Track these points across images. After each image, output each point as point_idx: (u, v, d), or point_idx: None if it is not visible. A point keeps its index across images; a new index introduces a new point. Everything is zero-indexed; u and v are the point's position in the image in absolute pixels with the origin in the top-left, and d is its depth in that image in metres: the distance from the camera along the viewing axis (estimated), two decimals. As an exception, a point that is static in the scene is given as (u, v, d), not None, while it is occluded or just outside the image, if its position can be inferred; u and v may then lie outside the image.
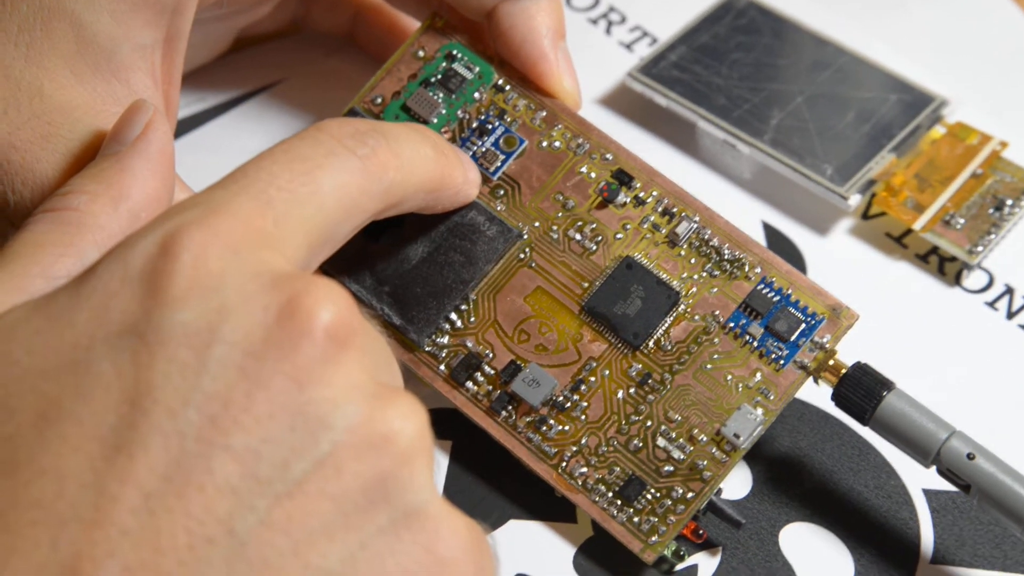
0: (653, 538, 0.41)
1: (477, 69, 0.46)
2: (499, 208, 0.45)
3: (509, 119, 0.46)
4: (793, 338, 0.42)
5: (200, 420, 0.30)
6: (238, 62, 0.55)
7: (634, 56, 0.57)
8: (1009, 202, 0.50)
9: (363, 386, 0.31)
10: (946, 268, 0.50)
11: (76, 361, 0.31)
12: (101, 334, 0.31)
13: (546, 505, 0.43)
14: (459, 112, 0.46)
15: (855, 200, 0.49)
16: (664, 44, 0.55)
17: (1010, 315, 0.49)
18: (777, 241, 0.51)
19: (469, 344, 0.44)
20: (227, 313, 0.31)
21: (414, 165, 0.38)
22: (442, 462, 0.44)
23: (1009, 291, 0.50)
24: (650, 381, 0.42)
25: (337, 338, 0.31)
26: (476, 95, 0.46)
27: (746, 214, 0.52)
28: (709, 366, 0.42)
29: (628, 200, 0.44)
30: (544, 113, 0.46)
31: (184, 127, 0.53)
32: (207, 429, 0.30)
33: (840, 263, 0.50)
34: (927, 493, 0.44)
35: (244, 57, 0.56)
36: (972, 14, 0.59)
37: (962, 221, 0.49)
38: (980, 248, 0.49)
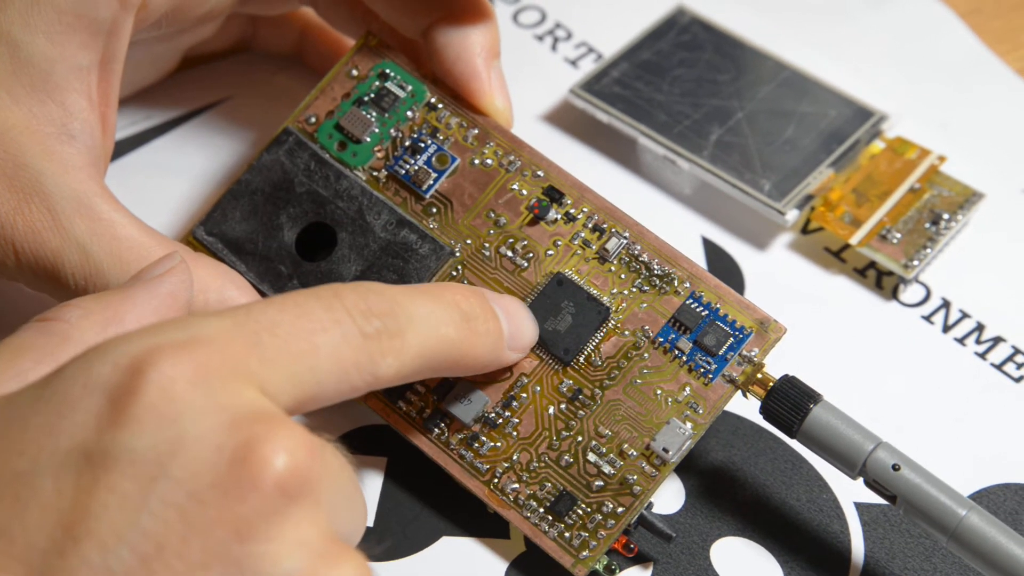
0: (584, 553, 0.41)
1: (410, 88, 0.46)
2: (432, 226, 0.45)
3: (442, 137, 0.46)
4: (721, 352, 0.42)
5: (131, 559, 0.29)
6: (185, 80, 0.56)
7: (579, 72, 0.57)
8: (946, 216, 0.50)
9: (309, 543, 0.30)
10: (883, 282, 0.50)
11: (20, 472, 0.30)
12: (50, 446, 0.30)
13: (479, 521, 0.44)
14: (392, 130, 0.46)
15: (792, 215, 0.50)
16: (607, 61, 0.55)
17: (946, 329, 0.49)
18: (716, 256, 0.51)
19: (402, 361, 0.44)
20: (180, 447, 0.30)
21: (422, 349, 0.37)
22: (376, 479, 0.45)
23: (945, 305, 0.50)
24: (581, 396, 0.42)
25: (288, 491, 0.30)
26: (409, 113, 0.46)
27: (686, 229, 0.52)
28: (639, 381, 0.42)
29: (559, 217, 0.44)
30: (476, 131, 0.46)
31: (129, 145, 0.54)
32: (137, 570, 0.29)
33: (779, 278, 0.51)
34: (859, 506, 0.44)
35: (191, 75, 0.56)
36: (916, 29, 0.60)
37: (899, 236, 0.50)
38: (916, 262, 0.49)
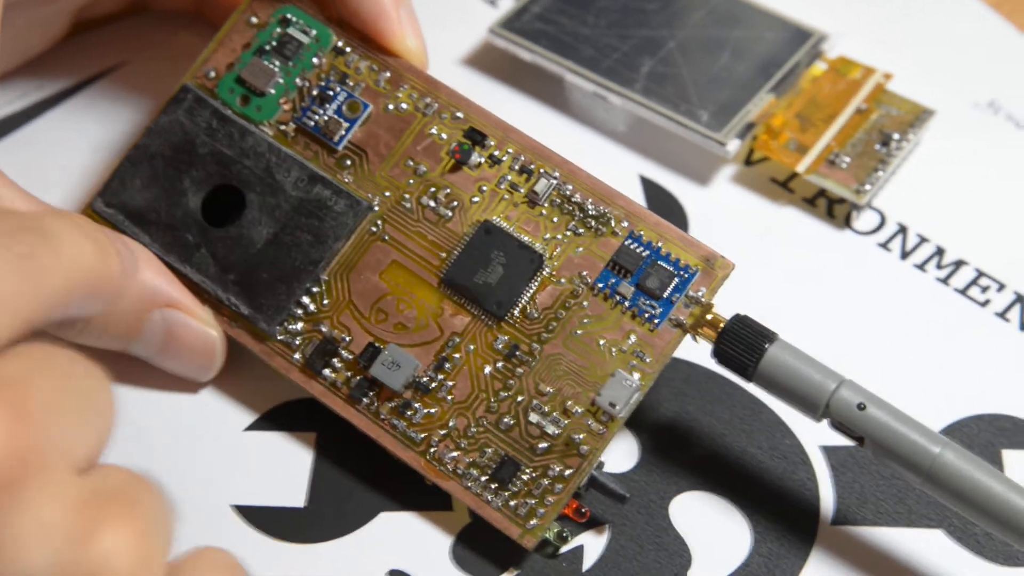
0: (532, 522, 0.38)
1: (314, 32, 0.43)
2: (346, 180, 0.41)
3: (352, 83, 0.42)
4: (666, 294, 0.39)
5: None
6: (77, 46, 0.52)
7: (498, 10, 0.54)
8: (896, 136, 0.47)
9: (54, 527, 0.25)
10: (835, 211, 0.47)
11: None
12: None
13: (419, 494, 0.40)
14: (297, 80, 0.43)
15: (734, 146, 0.47)
16: (527, -4, 0.52)
17: (904, 255, 0.46)
18: (656, 195, 0.48)
19: (324, 329, 0.41)
20: None
21: (74, 267, 0.31)
22: (306, 456, 0.41)
23: (902, 230, 0.47)
24: (518, 353, 0.39)
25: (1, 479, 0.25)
26: (315, 60, 0.43)
27: (622, 169, 0.49)
28: (579, 332, 0.39)
29: (483, 160, 0.41)
30: (388, 74, 0.42)
31: (19, 120, 0.50)
32: None
33: (724, 214, 0.47)
34: (825, 450, 0.41)
35: (83, 41, 0.52)
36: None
37: (848, 160, 0.47)
38: (868, 187, 0.46)
